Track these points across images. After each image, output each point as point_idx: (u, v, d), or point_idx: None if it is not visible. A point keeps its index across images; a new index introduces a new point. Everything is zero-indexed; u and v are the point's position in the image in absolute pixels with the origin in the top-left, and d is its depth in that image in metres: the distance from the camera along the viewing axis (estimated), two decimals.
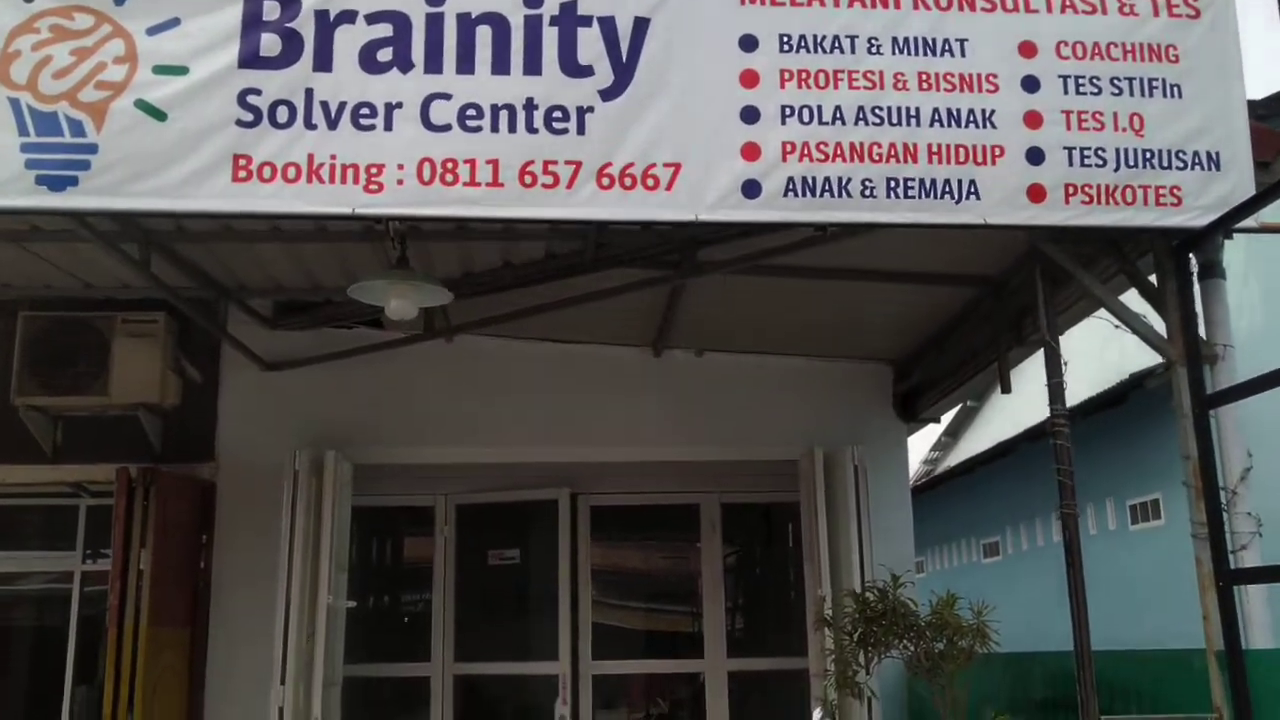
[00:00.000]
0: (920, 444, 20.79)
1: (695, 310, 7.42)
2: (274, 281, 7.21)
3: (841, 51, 4.47)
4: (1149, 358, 11.52)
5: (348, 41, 4.39)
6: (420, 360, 8.09)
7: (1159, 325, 4.73)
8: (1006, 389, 6.74)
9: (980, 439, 17.83)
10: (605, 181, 4.28)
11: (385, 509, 9.48)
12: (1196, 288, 4.65)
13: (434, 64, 4.37)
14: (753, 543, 11.82)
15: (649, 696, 14.56)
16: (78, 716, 7.70)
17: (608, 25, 4.43)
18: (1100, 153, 4.46)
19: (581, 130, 4.34)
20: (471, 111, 4.34)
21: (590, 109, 4.36)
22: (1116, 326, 4.68)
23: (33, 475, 7.75)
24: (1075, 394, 12.96)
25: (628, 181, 4.29)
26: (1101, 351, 11.65)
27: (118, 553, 7.08)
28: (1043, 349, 6.25)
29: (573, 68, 4.41)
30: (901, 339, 7.93)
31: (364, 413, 8.05)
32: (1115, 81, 4.55)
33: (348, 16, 4.40)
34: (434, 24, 4.40)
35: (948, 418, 17.46)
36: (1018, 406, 16.72)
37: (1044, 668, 6.13)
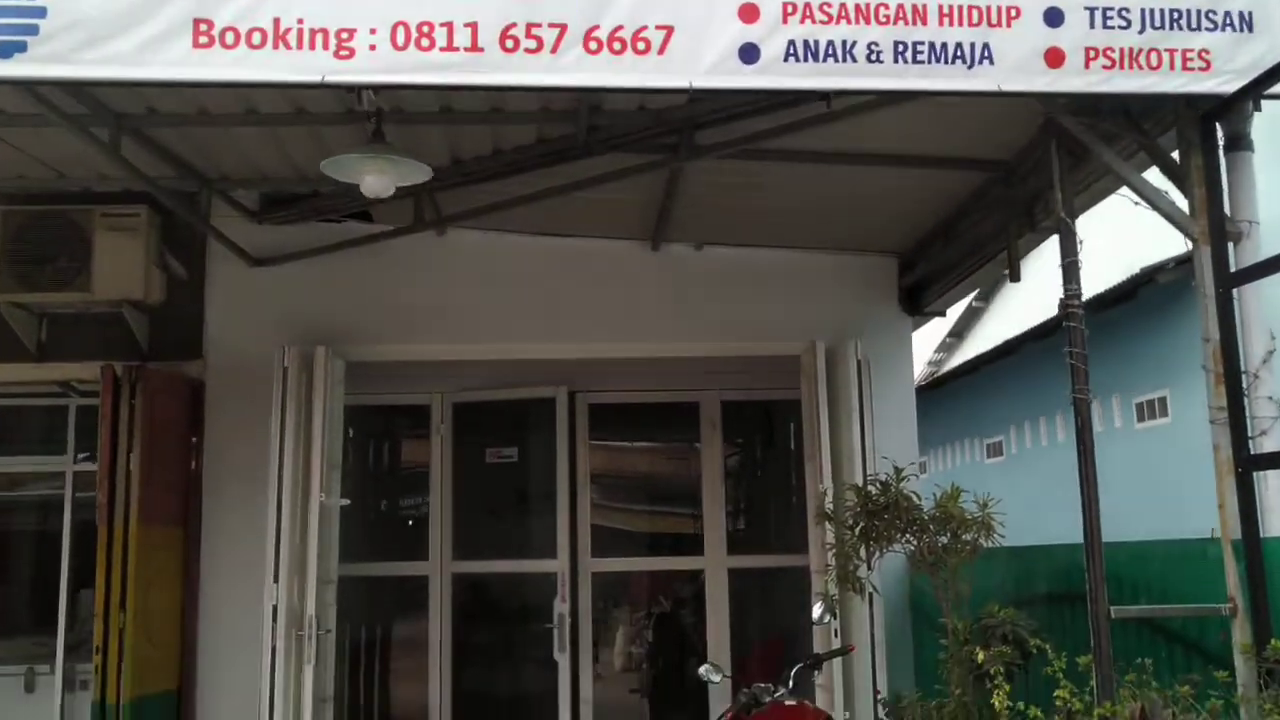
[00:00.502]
0: (924, 345, 20.61)
1: (693, 201, 7.15)
2: (256, 170, 6.95)
3: None
4: (1160, 253, 11.29)
5: None
6: (412, 255, 7.86)
7: (1181, 205, 4.47)
8: (1016, 277, 6.50)
9: (985, 340, 17.65)
10: (593, 45, 4.00)
11: (381, 408, 9.34)
12: (1222, 161, 4.38)
13: None
14: (753, 441, 11.71)
15: (651, 596, 14.64)
16: (78, 620, 7.66)
17: None
18: (1124, 13, 4.17)
19: None
20: None
21: None
22: (1136, 204, 4.43)
23: (18, 374, 7.59)
24: (1083, 290, 12.74)
25: (617, 45, 4.00)
26: (1112, 248, 11.38)
27: (105, 451, 6.94)
28: (1056, 234, 6.04)
29: None
30: (907, 229, 7.67)
31: (355, 309, 7.84)
32: None
33: None
34: None
35: (953, 315, 17.23)
36: (1022, 307, 16.49)
37: (1049, 561, 5.99)
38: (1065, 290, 4.31)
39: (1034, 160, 5.92)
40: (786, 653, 10.77)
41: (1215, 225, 4.17)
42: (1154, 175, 4.64)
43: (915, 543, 5.83)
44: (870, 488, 5.81)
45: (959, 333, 21.48)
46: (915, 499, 5.73)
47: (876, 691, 6.67)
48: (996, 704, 4.45)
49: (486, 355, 8.03)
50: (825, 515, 6.08)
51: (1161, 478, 11.14)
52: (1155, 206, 4.31)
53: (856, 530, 5.92)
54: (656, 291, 8.00)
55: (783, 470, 11.13)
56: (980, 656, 4.90)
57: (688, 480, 15.71)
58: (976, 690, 5.18)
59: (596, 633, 9.54)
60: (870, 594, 6.28)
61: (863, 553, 5.85)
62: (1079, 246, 4.36)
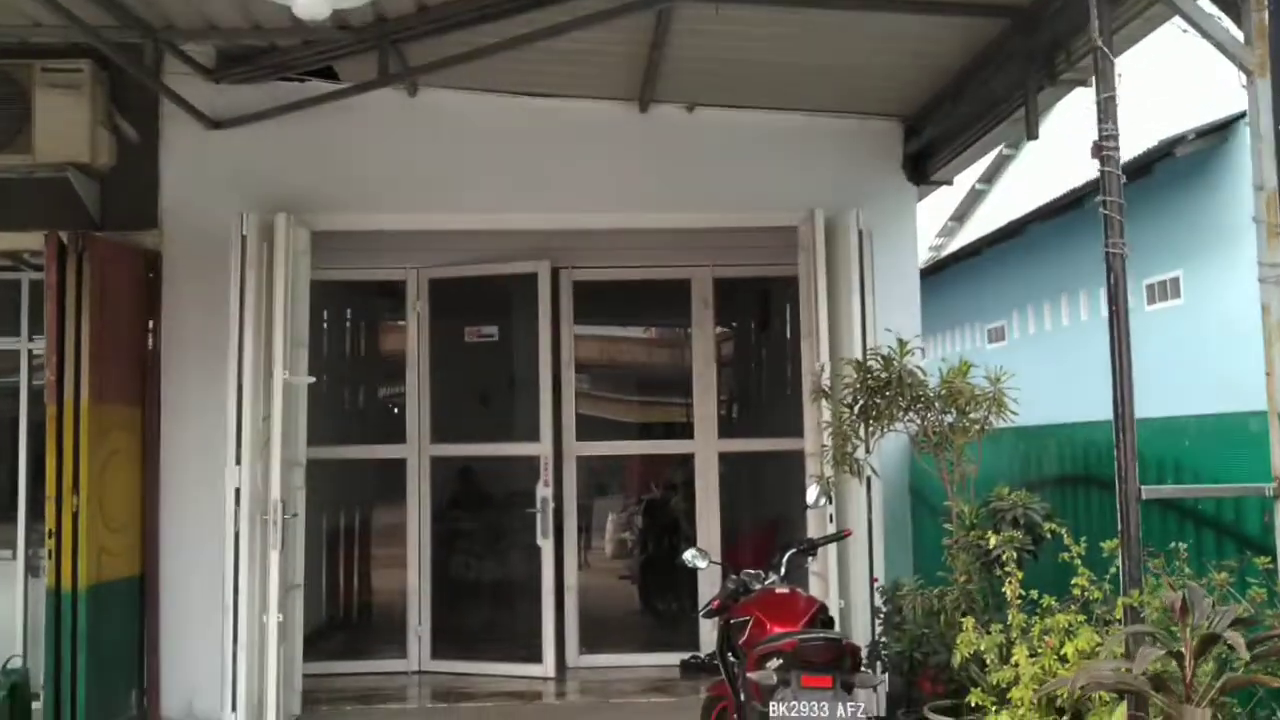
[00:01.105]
0: (924, 230, 20.04)
1: (684, 55, 6.57)
2: (206, 20, 6.36)
3: None
4: (1178, 125, 10.70)
5: None
6: (382, 118, 7.29)
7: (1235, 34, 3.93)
8: (1034, 135, 5.97)
9: (986, 224, 17.10)
10: None
11: (353, 284, 8.89)
12: None
13: None
14: (747, 320, 11.26)
15: (640, 482, 14.37)
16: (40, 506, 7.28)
17: None
18: None
19: None
20: None
21: None
22: (1185, 31, 3.89)
23: None
24: (1096, 165, 12.15)
25: None
26: (1127, 121, 10.82)
27: (52, 325, 6.46)
28: (1079, 85, 5.52)
29: None
30: (913, 88, 7.08)
31: (320, 175, 7.30)
32: None
33: None
34: None
35: (955, 198, 16.65)
36: (1026, 189, 15.90)
37: (1061, 442, 5.58)
38: (1100, 131, 3.82)
39: (1055, 6, 5.36)
40: (778, 539, 10.52)
41: (1275, 54, 3.66)
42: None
43: (919, 422, 5.43)
44: (872, 362, 5.38)
45: (960, 217, 20.89)
46: (920, 374, 5.30)
47: (874, 579, 6.33)
48: (1008, 592, 4.07)
49: (462, 225, 7.53)
50: (822, 392, 5.66)
51: (1174, 360, 10.72)
52: (1205, 33, 3.78)
53: (855, 409, 5.51)
54: (645, 157, 7.45)
55: (777, 351, 10.71)
56: (991, 541, 4.51)
57: (677, 366, 15.37)
58: (983, 577, 4.82)
59: (583, 519, 9.21)
60: (869, 477, 5.89)
61: (861, 432, 5.44)
62: (1117, 80, 3.84)
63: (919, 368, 5.32)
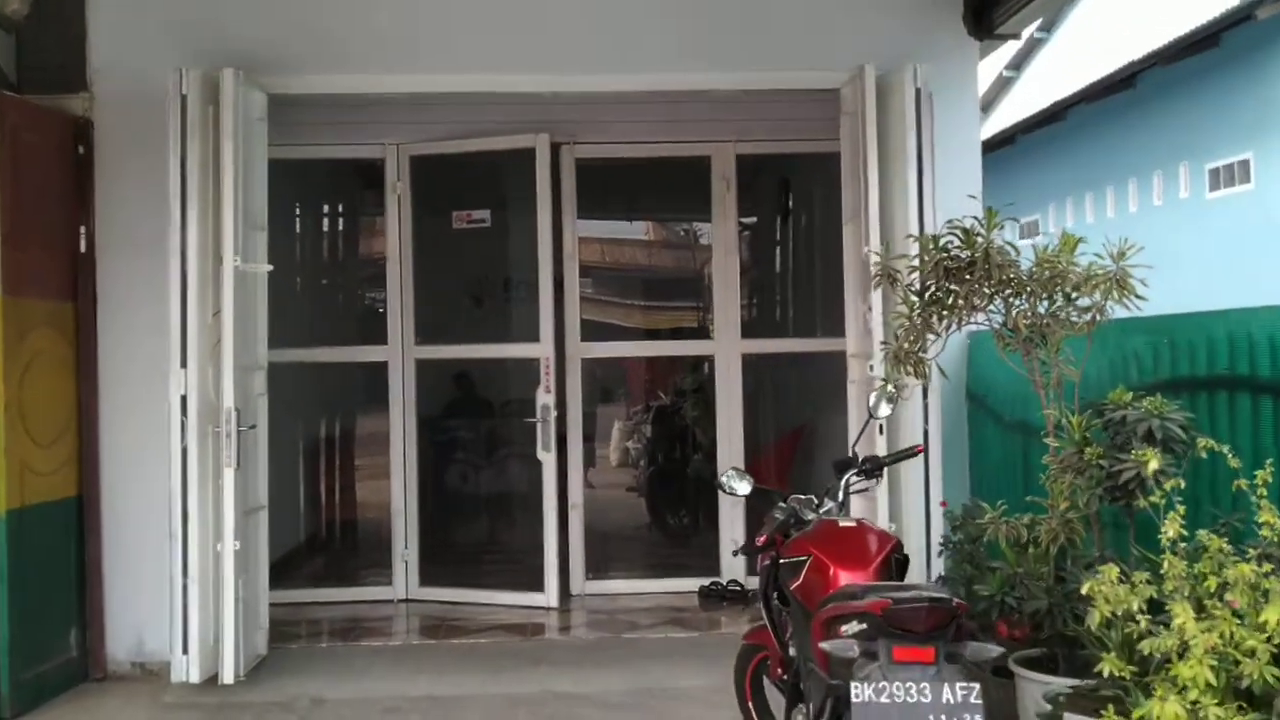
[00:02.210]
0: None
1: None
2: None
3: None
4: None
5: None
6: None
7: None
8: None
9: (1015, 112, 15.85)
10: None
11: (323, 163, 7.84)
12: None
13: None
14: (772, 207, 10.19)
15: (649, 390, 13.43)
16: None
17: None
18: None
19: None
20: None
21: None
22: None
23: None
24: (1157, 35, 10.94)
25: None
26: None
27: None
28: None
29: None
30: None
31: (277, 26, 6.19)
32: None
33: None
34: None
35: (983, 81, 15.35)
36: (1060, 76, 14.62)
37: (1195, 333, 4.41)
38: None
39: None
40: (802, 448, 9.60)
41: None
42: None
43: (1003, 312, 4.41)
44: (949, 238, 4.33)
45: (986, 106, 19.60)
46: (1012, 251, 4.26)
47: (943, 503, 5.37)
48: (1170, 531, 3.07)
49: (448, 88, 6.40)
50: (889, 276, 4.60)
51: (1240, 251, 9.68)
52: None
53: (926, 296, 4.48)
54: (660, 4, 6.32)
55: (805, 241, 9.67)
56: (1146, 461, 3.49)
57: (688, 265, 14.37)
58: (1098, 506, 3.84)
59: (588, 428, 8.24)
60: (924, 380, 4.86)
61: (938, 324, 4.42)
62: None
63: (1010, 244, 4.28)
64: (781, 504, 4.00)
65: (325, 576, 8.14)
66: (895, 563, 3.68)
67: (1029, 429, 5.48)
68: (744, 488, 4.15)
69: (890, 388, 4.25)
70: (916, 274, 4.54)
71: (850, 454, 4.23)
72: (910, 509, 5.61)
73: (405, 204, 7.34)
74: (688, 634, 6.51)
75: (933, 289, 4.47)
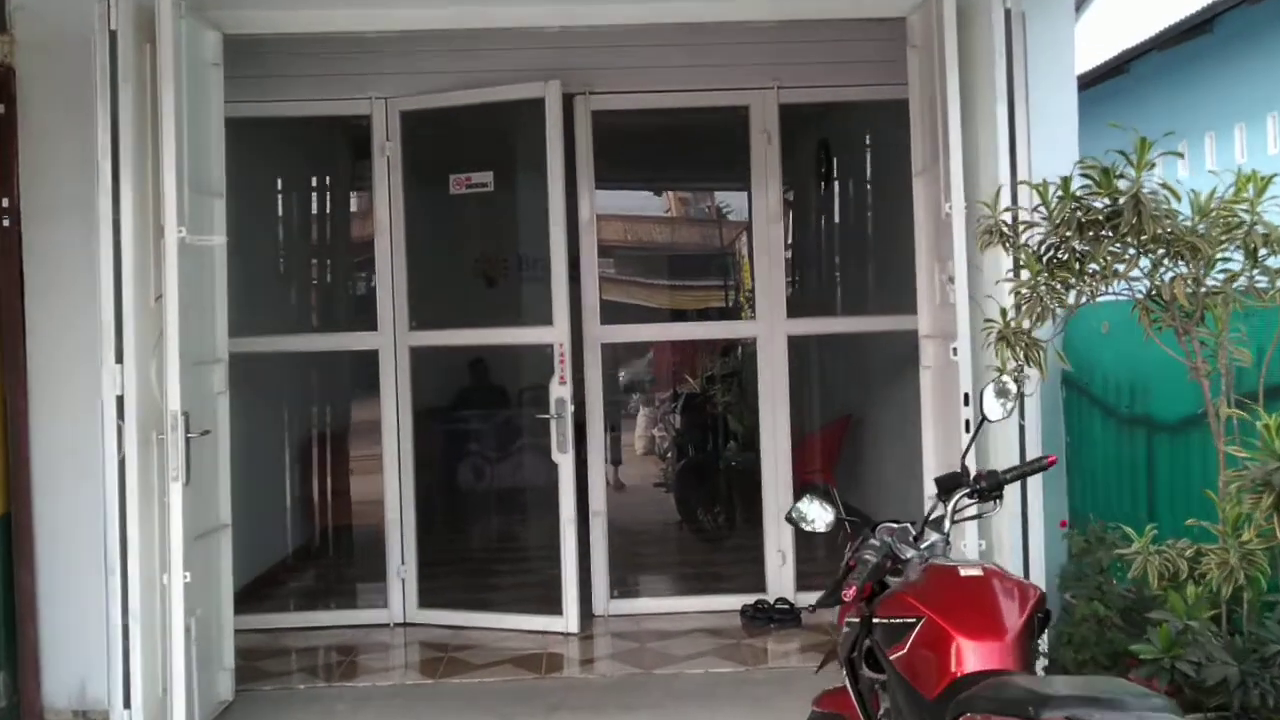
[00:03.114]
0: None
1: None
2: None
3: None
4: None
5: None
6: None
7: None
8: None
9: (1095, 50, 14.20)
10: None
11: (301, 122, 6.84)
12: None
13: None
14: (813, 169, 9.15)
15: (676, 376, 12.43)
16: None
17: None
18: None
19: None
20: None
21: None
22: None
23: None
24: None
25: None
26: None
27: None
28: None
29: None
30: None
31: None
32: None
33: None
34: None
35: None
36: (1124, 22, 13.29)
37: None
38: None
39: None
40: (849, 439, 8.61)
41: None
42: None
43: (1146, 280, 3.38)
44: (1088, 176, 3.28)
45: None
46: (1170, 196, 3.22)
47: (1063, 523, 4.34)
48: None
49: (438, 24, 5.38)
50: (1001, 234, 3.55)
51: None
52: None
53: (1050, 256, 3.45)
54: None
55: (855, 205, 8.64)
56: None
57: (719, 235, 13.31)
58: None
59: (611, 420, 7.26)
60: (1043, 369, 3.82)
61: (1068, 295, 3.38)
62: None
63: (1165, 187, 3.23)
64: (874, 539, 2.97)
65: (313, 596, 7.18)
66: (1039, 622, 2.67)
67: (1153, 425, 4.45)
68: (823, 517, 3.11)
69: (1006, 379, 3.20)
70: (1033, 230, 3.50)
71: (960, 468, 3.19)
72: (1003, 528, 4.57)
73: (395, 167, 6.33)
74: (732, 668, 5.51)
75: (1058, 249, 3.43)
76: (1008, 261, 4.11)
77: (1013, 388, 3.22)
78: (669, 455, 10.87)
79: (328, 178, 8.07)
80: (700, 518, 9.13)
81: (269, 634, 6.12)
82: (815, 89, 6.49)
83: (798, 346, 7.08)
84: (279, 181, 7.59)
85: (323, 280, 8.03)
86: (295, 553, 7.73)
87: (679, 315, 13.76)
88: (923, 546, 3.00)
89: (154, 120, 4.64)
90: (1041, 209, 3.41)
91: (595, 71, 6.26)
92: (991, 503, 3.14)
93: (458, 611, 6.34)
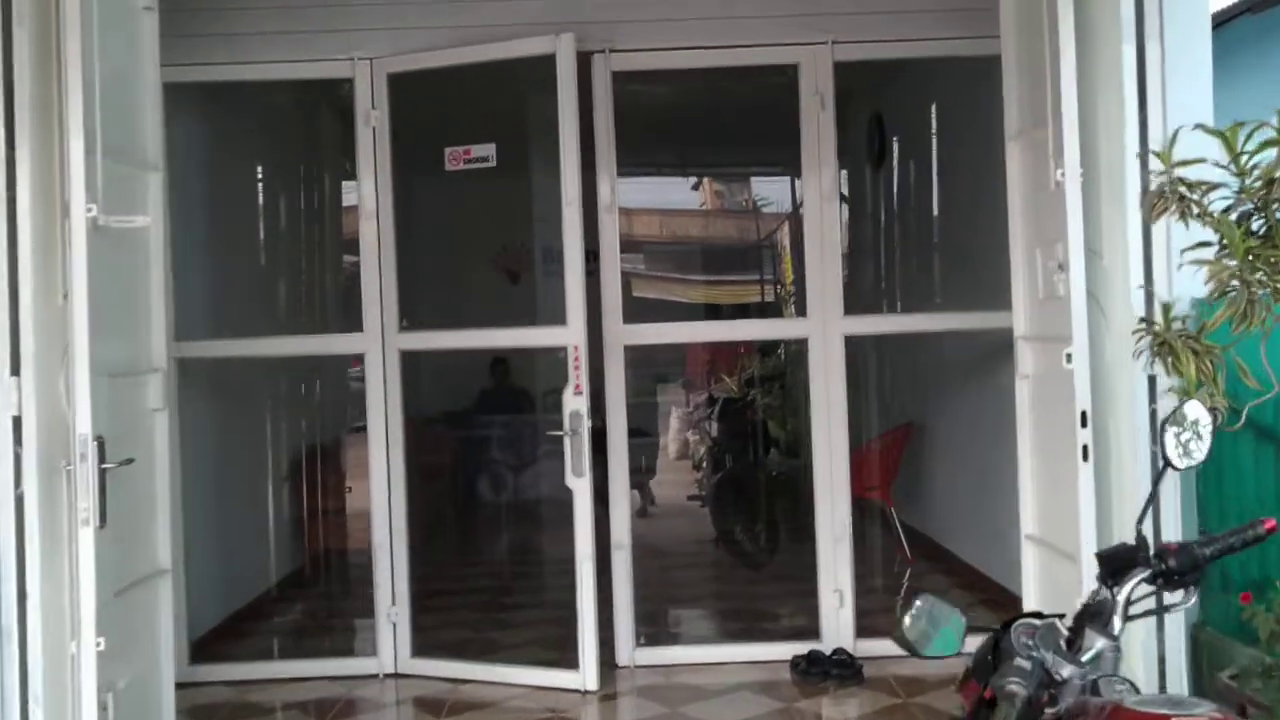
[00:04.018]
0: None
1: None
2: None
3: None
4: None
5: None
6: None
7: None
8: None
9: None
10: None
11: (272, 87, 5.92)
12: None
13: None
14: (864, 147, 8.14)
15: (711, 378, 11.46)
16: None
17: None
18: None
19: None
20: None
21: None
22: None
23: None
24: None
25: None
26: None
27: None
28: None
29: None
30: None
31: None
32: None
33: None
34: None
35: None
36: None
37: None
38: None
39: None
40: (909, 450, 7.62)
41: None
42: None
43: None
44: None
45: None
46: None
47: (1246, 596, 3.30)
48: None
49: None
50: (1181, 198, 2.54)
51: None
52: None
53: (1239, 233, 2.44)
54: None
55: (918, 185, 7.62)
56: None
57: (755, 227, 12.30)
58: None
59: (638, 429, 6.30)
60: (1216, 392, 2.79)
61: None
62: None
63: None
64: (1019, 661, 1.97)
65: (294, 638, 6.24)
66: None
67: None
68: (947, 640, 2.10)
69: (1199, 412, 2.19)
70: (1214, 194, 2.49)
71: (1135, 538, 2.18)
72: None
73: (383, 139, 5.38)
74: None
75: (1248, 220, 2.43)
76: (1161, 239, 3.11)
77: (1205, 419, 2.22)
78: (704, 465, 9.94)
79: (304, 153, 7.13)
80: (739, 537, 8.19)
81: (236, 687, 5.24)
82: (876, 44, 5.47)
83: (851, 345, 6.13)
84: (247, 158, 6.67)
85: (300, 273, 7.09)
86: (280, 584, 6.82)
87: (713, 312, 12.87)
88: (1084, 659, 2.01)
89: (59, 72, 3.72)
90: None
91: (616, 25, 5.30)
92: (1183, 591, 2.15)
93: (458, 662, 5.40)
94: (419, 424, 9.17)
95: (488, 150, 5.31)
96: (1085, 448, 3.63)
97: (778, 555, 7.71)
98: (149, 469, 4.10)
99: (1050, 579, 4.03)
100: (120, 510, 3.74)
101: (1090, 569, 2.75)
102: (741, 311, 12.78)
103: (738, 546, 8.18)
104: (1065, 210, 3.66)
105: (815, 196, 5.50)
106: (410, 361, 5.54)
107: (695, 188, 14.79)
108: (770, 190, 13.03)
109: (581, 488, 5.06)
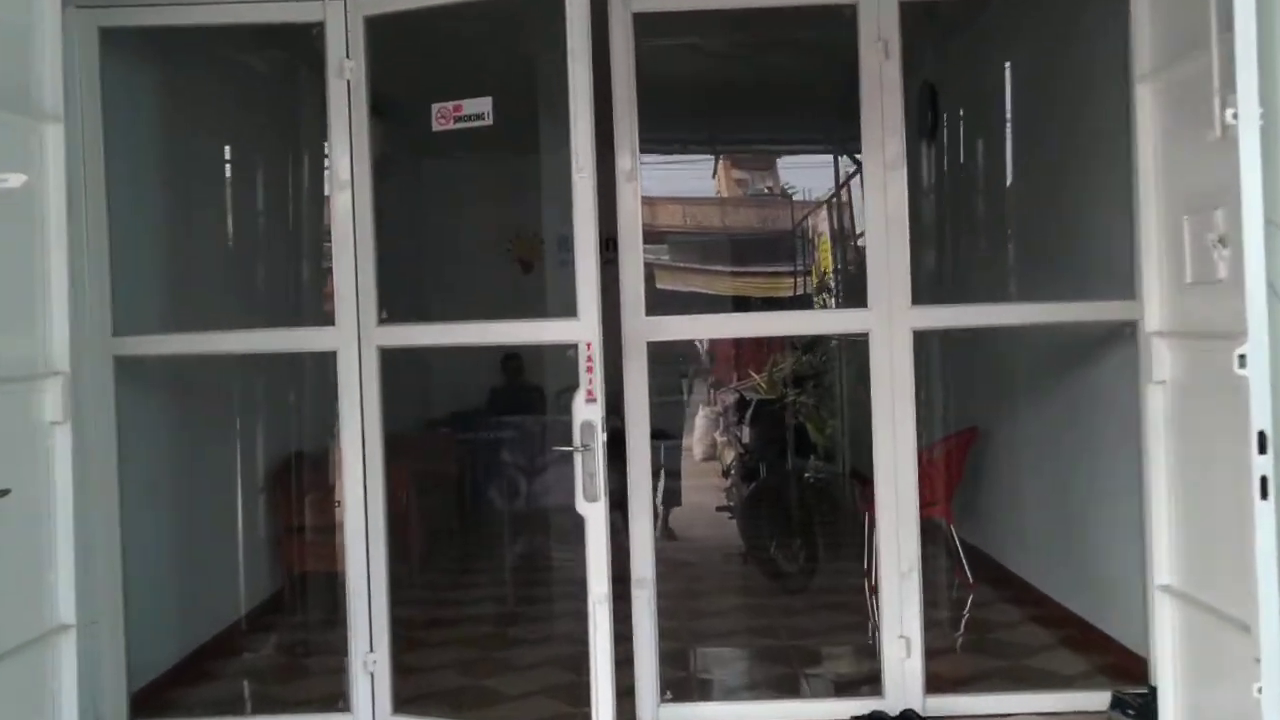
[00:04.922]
0: None
1: None
2: None
3: None
4: None
5: None
6: None
7: None
8: None
9: None
10: None
11: (228, 32, 5.02)
12: None
13: None
14: (915, 119, 7.18)
15: (741, 377, 10.61)
16: None
17: None
18: None
19: None
20: None
21: None
22: None
23: None
24: None
25: None
26: None
27: None
28: None
29: None
30: None
31: None
32: None
33: None
34: None
35: None
36: None
37: None
38: None
39: None
40: (972, 457, 6.71)
41: None
42: None
43: None
44: None
45: None
46: None
47: None
48: None
49: None
50: None
51: None
52: None
53: None
54: None
55: (990, 156, 6.69)
56: None
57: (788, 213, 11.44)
58: None
59: (662, 455, 5.40)
60: None
61: None
62: None
63: None
64: None
65: (257, 684, 5.33)
66: None
67: None
68: None
69: None
70: None
71: None
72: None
73: (359, 95, 4.49)
74: None
75: None
76: None
77: None
78: (733, 473, 9.04)
79: (281, 118, 6.23)
80: (775, 555, 7.27)
81: None
82: None
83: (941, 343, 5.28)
84: (211, 123, 5.77)
85: (274, 259, 6.18)
86: (252, 614, 5.95)
87: (741, 306, 12.05)
88: None
89: None
90: None
91: None
92: None
93: None
94: (423, 427, 8.43)
95: (483, 105, 4.40)
96: (1264, 480, 2.72)
97: (818, 577, 6.81)
98: (43, 499, 3.24)
99: (1198, 644, 3.13)
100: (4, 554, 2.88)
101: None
102: (771, 305, 11.94)
103: (774, 566, 7.28)
104: (1238, 164, 2.74)
105: (877, 165, 4.56)
106: (407, 359, 4.66)
107: (714, 175, 14.03)
108: (798, 178, 12.30)
109: (595, 515, 4.15)
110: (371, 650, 4.53)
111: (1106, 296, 4.28)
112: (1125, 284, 4.20)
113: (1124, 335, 4.57)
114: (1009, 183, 6.24)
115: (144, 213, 4.95)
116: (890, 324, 4.51)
